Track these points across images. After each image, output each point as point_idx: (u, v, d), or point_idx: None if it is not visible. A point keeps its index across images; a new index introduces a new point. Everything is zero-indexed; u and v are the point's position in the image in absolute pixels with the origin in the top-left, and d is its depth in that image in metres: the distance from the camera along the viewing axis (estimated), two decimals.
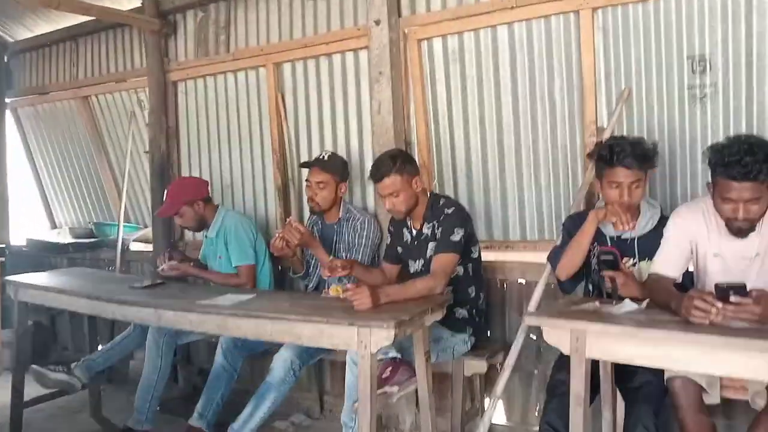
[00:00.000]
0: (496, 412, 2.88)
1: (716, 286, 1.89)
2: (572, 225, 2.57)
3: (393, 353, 2.52)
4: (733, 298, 1.83)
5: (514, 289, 3.18)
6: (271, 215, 3.92)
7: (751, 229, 2.09)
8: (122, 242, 4.35)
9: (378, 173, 2.74)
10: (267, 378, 2.81)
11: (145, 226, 4.61)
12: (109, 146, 4.77)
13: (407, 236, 2.89)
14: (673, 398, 2.11)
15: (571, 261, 2.45)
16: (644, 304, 2.12)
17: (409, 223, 2.88)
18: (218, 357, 3.05)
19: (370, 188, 3.45)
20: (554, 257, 2.57)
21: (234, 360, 3.04)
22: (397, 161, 2.72)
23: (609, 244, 2.45)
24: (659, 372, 2.18)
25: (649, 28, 2.77)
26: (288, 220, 3.03)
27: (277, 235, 3.04)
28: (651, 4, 2.75)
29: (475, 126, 3.25)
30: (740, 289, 1.83)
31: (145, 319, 2.82)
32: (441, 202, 2.79)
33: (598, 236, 2.47)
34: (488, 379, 3.08)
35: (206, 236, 3.43)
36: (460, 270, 2.78)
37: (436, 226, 2.74)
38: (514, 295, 3.18)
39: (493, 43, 3.13)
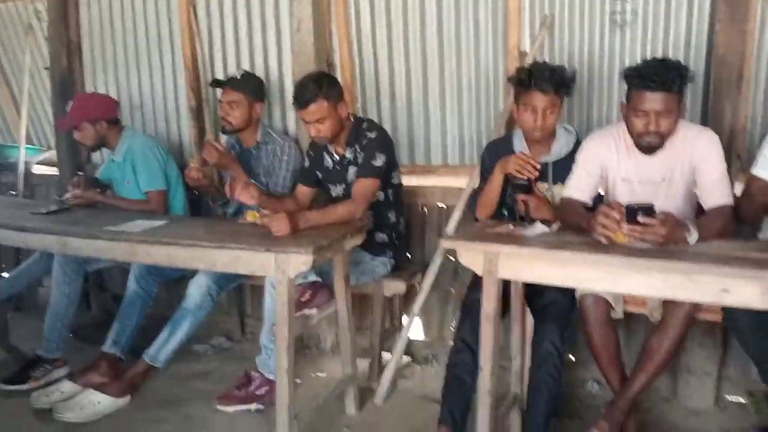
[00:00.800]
0: (414, 329, 2.98)
1: (626, 207, 1.95)
2: (490, 154, 2.60)
3: (312, 277, 2.51)
4: (640, 219, 1.89)
5: (434, 213, 3.22)
6: (185, 138, 3.72)
7: (660, 145, 2.16)
8: (24, 165, 4.06)
9: (302, 99, 2.60)
10: (183, 303, 2.76)
11: (49, 148, 4.30)
12: (5, 61, 4.35)
13: (328, 161, 2.84)
14: (583, 313, 2.23)
15: (485, 207, 2.51)
16: (555, 226, 2.18)
17: (330, 148, 2.81)
18: (131, 283, 2.94)
19: (291, 111, 3.33)
20: (472, 203, 2.65)
21: (148, 286, 2.95)
22: (322, 86, 2.59)
23: None
24: (567, 291, 2.28)
25: None
26: (206, 138, 2.89)
27: (191, 165, 2.90)
28: None
29: (399, 48, 3.16)
30: (648, 210, 1.90)
31: (49, 246, 2.67)
32: (364, 126, 2.73)
33: None
34: (407, 299, 3.14)
35: (112, 159, 3.24)
36: (381, 195, 2.77)
37: (358, 150, 2.70)
38: (434, 218, 3.23)
39: None
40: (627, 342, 2.78)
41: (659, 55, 2.66)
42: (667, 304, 2.16)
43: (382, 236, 2.82)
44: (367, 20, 3.18)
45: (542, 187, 2.48)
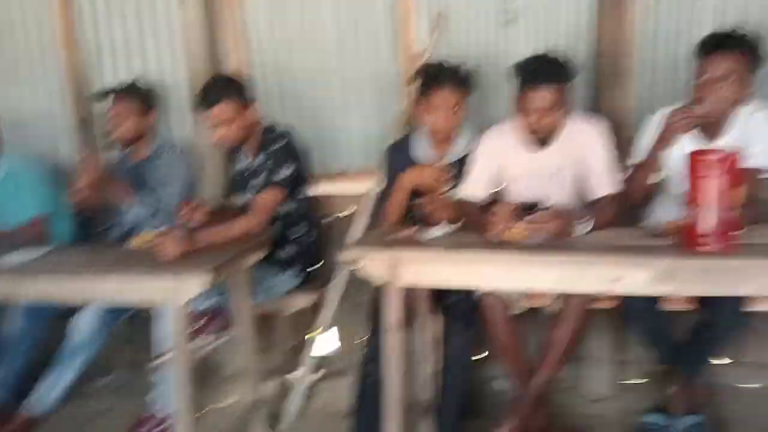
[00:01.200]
0: (325, 342, 2.90)
1: (519, 203, 1.98)
2: (392, 156, 2.57)
3: (208, 302, 2.38)
4: (533, 214, 1.93)
5: (339, 222, 3.15)
6: (72, 158, 3.46)
7: (552, 138, 2.20)
8: None
9: (207, 100, 2.45)
10: (70, 339, 2.56)
11: None
12: None
13: (239, 166, 2.72)
14: (485, 313, 2.24)
15: (393, 215, 2.46)
16: (454, 227, 2.18)
17: (242, 153, 2.70)
18: (15, 320, 2.70)
19: (187, 119, 3.17)
20: (378, 208, 2.61)
21: (34, 322, 2.71)
22: (228, 87, 2.48)
23: None
24: (471, 290, 2.28)
25: None
26: (83, 154, 2.66)
27: (75, 186, 2.69)
28: None
29: (298, 50, 3.08)
30: (540, 206, 1.93)
31: None
32: (275, 133, 2.61)
33: (415, 162, 2.49)
34: (316, 313, 3.06)
35: None
36: (291, 206, 2.67)
37: (266, 159, 2.58)
38: (340, 227, 3.15)
39: None
40: (532, 336, 2.82)
41: (549, 48, 2.73)
42: (565, 296, 2.21)
43: (289, 250, 2.71)
44: (263, 21, 3.09)
45: (446, 187, 2.47)
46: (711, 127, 2.09)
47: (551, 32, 2.74)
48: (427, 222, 2.26)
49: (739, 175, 1.66)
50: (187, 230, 2.25)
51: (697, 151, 1.69)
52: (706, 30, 2.50)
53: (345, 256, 2.05)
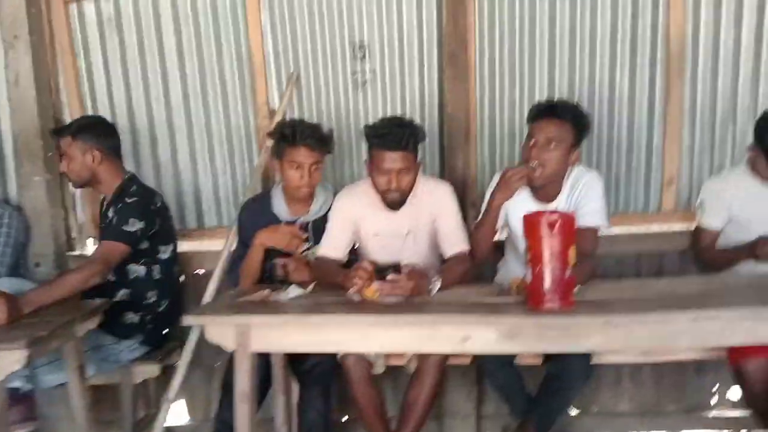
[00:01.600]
0: (177, 413, 2.68)
1: (374, 264, 1.99)
2: (248, 214, 2.49)
3: (18, 382, 2.10)
4: (388, 275, 1.93)
5: (193, 281, 2.96)
6: None
7: (403, 201, 2.24)
8: None
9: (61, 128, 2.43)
10: None
11: None
12: None
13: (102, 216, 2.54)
14: (346, 374, 2.18)
15: (248, 277, 2.39)
16: (310, 287, 2.13)
17: (104, 204, 2.54)
18: None
19: (14, 177, 2.87)
20: (232, 269, 2.52)
21: None
22: (74, 124, 2.43)
23: None
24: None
25: (313, 11, 2.80)
26: None
27: None
28: None
29: (140, 104, 2.93)
30: (395, 266, 1.94)
31: None
32: (131, 189, 2.46)
33: (272, 220, 2.42)
34: (166, 382, 2.82)
35: None
36: (142, 271, 2.49)
37: (116, 211, 2.39)
38: (194, 287, 2.97)
39: (155, 12, 2.84)
40: (394, 394, 2.79)
41: (398, 111, 2.81)
42: (420, 355, 2.20)
43: (133, 317, 2.50)
44: (101, 72, 2.91)
45: (302, 247, 2.41)
46: (545, 190, 2.23)
47: (403, 97, 2.83)
48: (285, 282, 2.18)
49: (572, 235, 1.75)
50: (8, 295, 2.00)
51: (532, 212, 1.78)
52: (543, 95, 2.75)
53: (189, 321, 1.90)
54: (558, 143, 2.13)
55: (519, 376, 2.29)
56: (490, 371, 2.24)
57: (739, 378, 2.11)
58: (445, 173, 2.76)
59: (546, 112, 2.17)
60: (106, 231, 2.41)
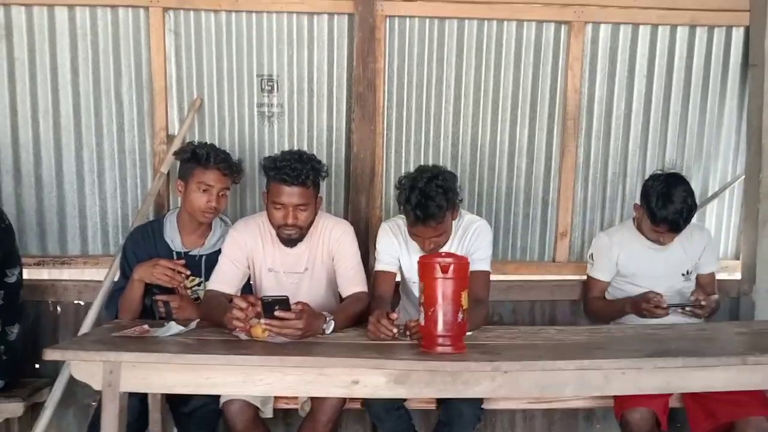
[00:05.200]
0: None
1: (262, 300, 1.87)
2: (135, 242, 2.34)
3: None
4: (277, 313, 1.83)
5: (70, 312, 2.74)
6: None
7: (300, 238, 2.18)
8: None
9: None
10: None
11: None
12: None
13: None
14: (229, 421, 2.04)
15: (128, 312, 2.22)
16: (193, 324, 2.00)
17: None
18: None
19: None
20: (110, 301, 2.35)
21: None
22: None
23: (175, 259, 2.25)
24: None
25: (221, 40, 2.74)
26: None
27: None
28: (223, 16, 2.72)
29: (26, 118, 2.72)
30: (284, 303, 1.84)
31: None
32: None
33: (161, 250, 2.28)
34: (32, 422, 2.55)
35: None
36: None
37: None
38: (70, 318, 2.74)
39: (50, 24, 2.68)
40: None
41: (305, 146, 2.77)
42: (314, 398, 2.10)
43: None
44: None
45: (192, 282, 2.28)
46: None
47: (308, 133, 2.80)
48: (169, 317, 2.05)
49: (465, 279, 1.75)
50: None
51: (424, 256, 1.76)
52: (448, 142, 2.80)
53: (51, 356, 1.72)
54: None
55: (409, 420, 2.23)
56: (377, 415, 2.16)
57: (625, 427, 2.17)
58: (348, 212, 2.72)
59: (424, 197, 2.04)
60: None
